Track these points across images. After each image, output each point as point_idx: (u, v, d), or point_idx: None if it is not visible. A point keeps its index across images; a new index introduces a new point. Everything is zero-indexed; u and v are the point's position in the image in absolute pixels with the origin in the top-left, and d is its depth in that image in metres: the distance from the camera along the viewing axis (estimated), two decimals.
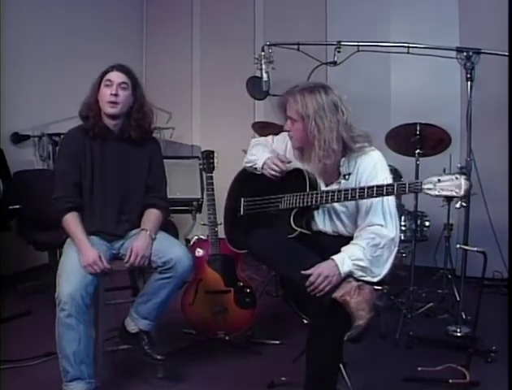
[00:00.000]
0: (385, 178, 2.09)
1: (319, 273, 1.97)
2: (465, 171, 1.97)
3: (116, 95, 2.36)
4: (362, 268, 2.01)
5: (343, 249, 2.04)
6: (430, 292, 3.62)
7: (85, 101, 2.43)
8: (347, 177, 2.14)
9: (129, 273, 2.68)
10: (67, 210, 2.36)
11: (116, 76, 2.39)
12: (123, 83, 2.39)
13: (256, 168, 2.36)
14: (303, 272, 2.00)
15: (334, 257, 2.01)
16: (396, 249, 2.09)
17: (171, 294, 2.41)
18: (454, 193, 1.86)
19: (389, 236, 2.04)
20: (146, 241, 2.38)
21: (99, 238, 2.42)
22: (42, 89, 4.17)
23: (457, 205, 1.98)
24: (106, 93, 2.37)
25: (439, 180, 1.87)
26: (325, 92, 2.10)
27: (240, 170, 2.53)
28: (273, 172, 2.25)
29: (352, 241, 2.06)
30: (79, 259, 2.27)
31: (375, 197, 1.99)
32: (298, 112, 2.10)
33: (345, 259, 2.00)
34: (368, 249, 2.01)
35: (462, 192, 1.85)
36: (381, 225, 2.05)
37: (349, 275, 2.00)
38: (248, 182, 2.43)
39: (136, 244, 2.37)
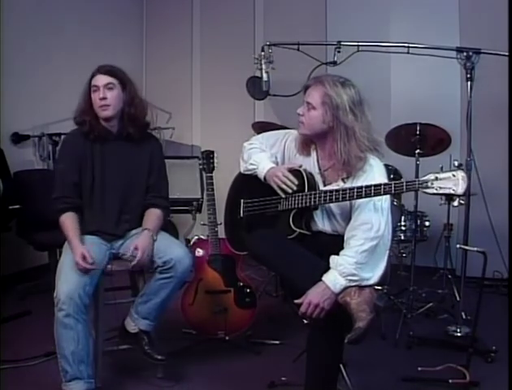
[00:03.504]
0: (382, 181, 2.08)
1: (309, 302, 1.96)
2: (463, 168, 1.95)
3: (104, 98, 2.36)
4: (355, 280, 1.99)
5: (332, 263, 2.01)
6: (430, 292, 3.62)
7: (78, 107, 2.43)
8: (345, 180, 2.14)
9: (129, 273, 2.68)
10: (63, 211, 2.36)
11: (100, 79, 2.38)
12: (109, 83, 2.38)
13: (257, 175, 2.32)
14: (295, 301, 2.00)
15: (324, 278, 1.99)
16: (387, 248, 2.08)
17: (171, 294, 2.41)
18: (452, 191, 1.85)
19: (378, 235, 2.03)
20: (148, 240, 2.38)
21: (99, 238, 2.42)
22: (42, 89, 4.17)
23: (455, 204, 1.97)
24: (95, 99, 2.38)
25: (436, 178, 1.86)
26: (354, 88, 2.11)
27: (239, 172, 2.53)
28: (284, 187, 2.19)
29: (341, 252, 2.04)
30: None
31: (373, 196, 1.98)
32: (323, 100, 2.08)
33: (337, 278, 1.98)
34: (357, 256, 1.99)
35: (460, 190, 1.84)
36: (371, 224, 2.03)
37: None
38: (247, 183, 2.42)
39: (141, 243, 2.35)
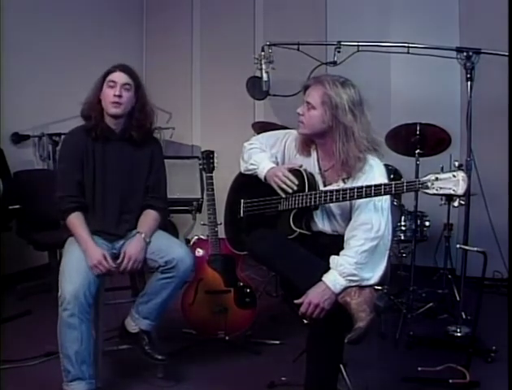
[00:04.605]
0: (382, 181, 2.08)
1: (309, 302, 1.97)
2: (463, 168, 1.95)
3: (120, 96, 2.36)
4: (356, 281, 1.99)
5: (332, 264, 2.02)
6: (430, 292, 3.62)
7: (87, 100, 2.42)
8: (345, 181, 2.14)
9: (129, 273, 2.68)
10: (71, 210, 2.35)
11: (120, 77, 2.38)
12: (127, 84, 2.38)
13: (257, 175, 2.32)
14: (295, 301, 2.00)
15: (325, 278, 2.00)
16: (387, 248, 2.08)
17: (172, 294, 2.41)
18: (452, 192, 1.85)
19: (378, 236, 2.03)
20: (140, 245, 2.38)
21: (100, 238, 2.41)
22: (42, 89, 4.16)
23: (456, 204, 1.97)
24: (109, 94, 2.37)
25: (436, 179, 1.86)
26: (354, 88, 2.10)
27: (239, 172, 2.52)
28: (284, 186, 2.18)
29: (341, 252, 2.04)
30: (81, 258, 2.27)
31: (374, 196, 1.98)
32: (322, 100, 2.08)
33: (337, 278, 1.99)
34: (357, 257, 1.99)
35: (460, 191, 1.84)
36: (371, 224, 2.03)
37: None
38: (247, 183, 2.42)
39: (129, 249, 2.36)
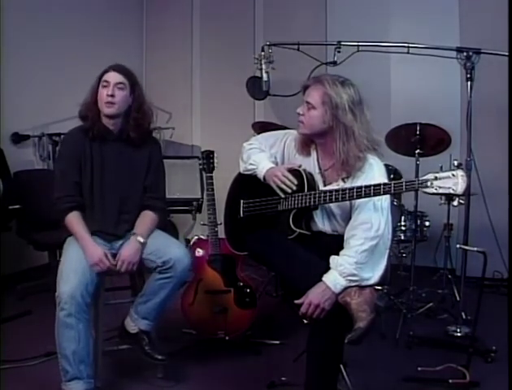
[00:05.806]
0: (382, 180, 2.08)
1: (309, 302, 1.96)
2: (462, 167, 1.95)
3: (112, 95, 2.36)
4: (356, 281, 1.99)
5: (332, 264, 2.01)
6: (430, 292, 3.62)
7: (84, 101, 2.43)
8: (345, 180, 2.14)
9: (126, 274, 2.68)
10: (69, 210, 2.36)
11: (113, 77, 2.38)
12: (120, 83, 2.38)
13: (256, 175, 2.32)
14: (295, 302, 1.99)
15: (325, 278, 1.99)
16: (387, 247, 2.08)
17: (170, 294, 2.41)
18: (451, 191, 1.85)
19: (377, 235, 2.02)
20: (134, 248, 2.37)
21: (99, 238, 2.41)
22: (42, 89, 4.17)
23: (455, 203, 1.96)
24: (102, 94, 2.37)
25: (436, 178, 1.86)
26: (354, 88, 2.10)
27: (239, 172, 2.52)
28: (284, 186, 2.18)
29: (341, 252, 2.04)
30: (79, 258, 2.27)
31: (373, 196, 1.98)
32: (322, 100, 2.08)
33: (337, 278, 1.98)
34: (357, 256, 1.99)
35: (460, 189, 1.84)
36: (370, 223, 2.03)
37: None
38: (247, 183, 2.42)
39: (124, 252, 2.36)
